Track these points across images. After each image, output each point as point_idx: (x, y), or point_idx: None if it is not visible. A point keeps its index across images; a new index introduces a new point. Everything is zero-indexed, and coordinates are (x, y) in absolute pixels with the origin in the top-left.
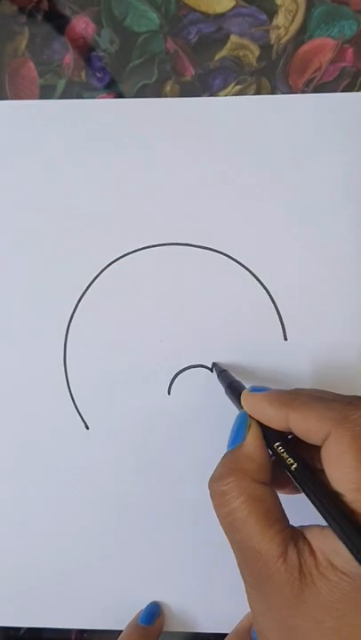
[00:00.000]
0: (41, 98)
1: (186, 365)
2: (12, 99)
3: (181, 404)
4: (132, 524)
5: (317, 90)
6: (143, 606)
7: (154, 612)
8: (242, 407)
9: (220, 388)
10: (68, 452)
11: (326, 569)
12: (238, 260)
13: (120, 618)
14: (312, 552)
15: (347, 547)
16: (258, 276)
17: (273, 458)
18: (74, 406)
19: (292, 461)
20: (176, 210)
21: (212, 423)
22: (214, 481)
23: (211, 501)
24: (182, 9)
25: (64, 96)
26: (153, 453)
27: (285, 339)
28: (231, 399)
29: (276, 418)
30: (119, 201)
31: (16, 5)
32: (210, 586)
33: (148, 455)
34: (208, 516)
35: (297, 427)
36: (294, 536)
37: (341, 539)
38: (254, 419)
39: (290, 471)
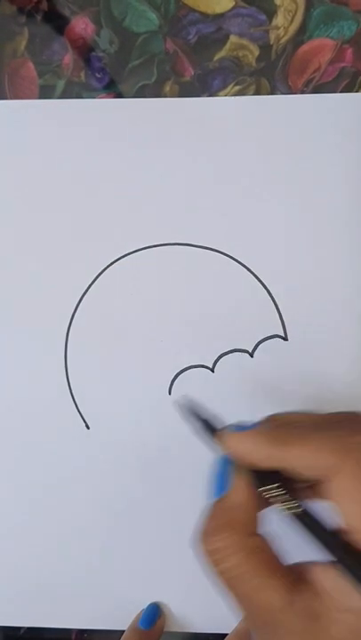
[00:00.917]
0: (40, 98)
1: (186, 365)
2: (12, 99)
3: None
4: (133, 523)
5: (317, 90)
6: (143, 606)
7: (154, 615)
8: (218, 447)
9: (220, 388)
10: (68, 452)
11: (338, 610)
12: (239, 259)
13: (120, 618)
14: (317, 594)
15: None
16: (258, 275)
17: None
18: (74, 406)
19: (295, 505)
20: (176, 210)
21: None
22: (205, 539)
23: (202, 557)
24: (182, 9)
25: (63, 96)
26: (153, 453)
27: (286, 338)
28: (204, 440)
29: (267, 460)
30: (119, 201)
31: (15, 6)
32: (211, 586)
33: (149, 455)
34: None
35: (296, 465)
36: (298, 579)
37: (355, 579)
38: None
39: (293, 514)
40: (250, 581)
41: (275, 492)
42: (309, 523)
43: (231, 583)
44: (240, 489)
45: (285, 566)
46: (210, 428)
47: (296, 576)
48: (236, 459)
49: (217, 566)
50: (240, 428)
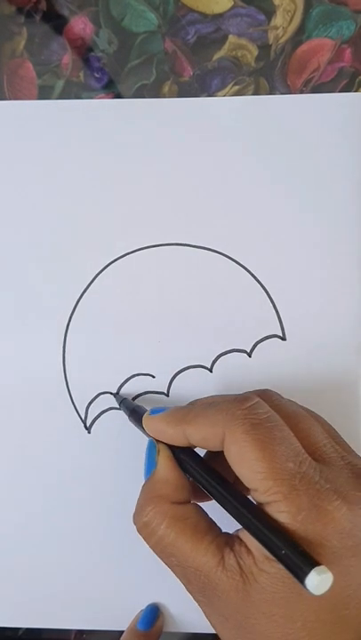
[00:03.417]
0: (39, 98)
1: (185, 366)
2: (11, 99)
3: (180, 404)
4: (132, 524)
5: (316, 90)
6: (143, 606)
7: (153, 616)
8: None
9: (218, 388)
10: (67, 453)
11: (263, 563)
12: (237, 260)
13: (119, 618)
14: (249, 551)
15: (265, 547)
16: (257, 276)
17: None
18: (73, 407)
19: (199, 475)
20: (175, 210)
21: None
22: (136, 515)
23: (140, 535)
24: (180, 9)
25: (62, 96)
26: None
27: (284, 338)
28: (137, 426)
29: (176, 436)
30: (118, 201)
31: (14, 6)
32: None
33: None
34: None
35: (195, 439)
36: (229, 541)
37: (259, 540)
38: (161, 441)
39: (200, 484)
40: (181, 548)
41: (191, 466)
42: (218, 491)
43: (165, 553)
44: (163, 464)
45: (217, 531)
46: (138, 414)
47: (228, 539)
48: (154, 438)
49: (150, 539)
50: (154, 412)
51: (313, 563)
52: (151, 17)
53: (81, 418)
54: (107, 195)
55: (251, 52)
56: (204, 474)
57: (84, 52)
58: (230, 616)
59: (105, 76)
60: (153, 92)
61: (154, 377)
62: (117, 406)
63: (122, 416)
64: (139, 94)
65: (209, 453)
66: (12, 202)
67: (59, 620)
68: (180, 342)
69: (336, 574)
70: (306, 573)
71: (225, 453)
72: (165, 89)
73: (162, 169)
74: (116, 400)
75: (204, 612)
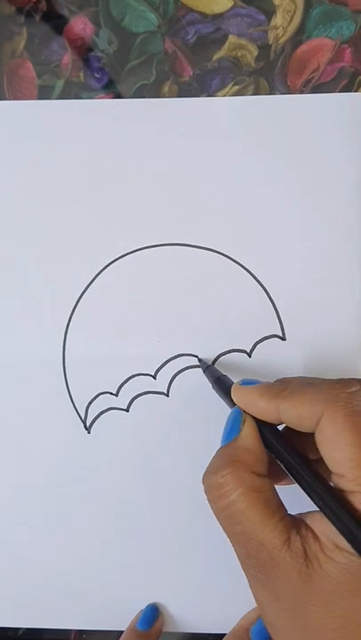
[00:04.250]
0: (39, 98)
1: (184, 366)
2: (11, 99)
3: (180, 404)
4: (132, 524)
5: (316, 90)
6: (142, 606)
7: (152, 616)
8: (231, 402)
9: None
10: (67, 453)
11: (333, 551)
12: (237, 260)
13: (119, 618)
14: (316, 537)
15: (344, 536)
16: (256, 276)
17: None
18: (73, 407)
19: (285, 452)
20: (175, 210)
21: (211, 423)
22: (210, 474)
23: (206, 495)
24: (180, 9)
25: (62, 96)
26: (152, 454)
27: (284, 338)
28: (219, 394)
29: (267, 410)
30: (118, 201)
31: (14, 6)
32: (208, 586)
33: (148, 456)
34: (207, 517)
35: (289, 416)
36: (295, 524)
37: (338, 528)
38: (247, 413)
39: (283, 462)
40: (251, 518)
41: (274, 442)
42: (298, 472)
43: (231, 519)
44: (247, 433)
45: (284, 512)
46: (223, 383)
47: (295, 521)
48: (243, 409)
49: (219, 502)
50: (246, 383)
51: None
52: (151, 17)
53: (81, 418)
54: (107, 194)
55: (251, 52)
56: (288, 452)
57: (84, 52)
58: (285, 597)
59: (105, 76)
60: (153, 92)
61: (154, 377)
62: (117, 406)
63: (122, 416)
64: (139, 94)
65: (286, 434)
66: (11, 201)
67: (59, 620)
68: (180, 342)
69: None
70: None
71: (317, 435)
72: (165, 89)
73: (162, 169)
74: (201, 366)
75: (254, 588)
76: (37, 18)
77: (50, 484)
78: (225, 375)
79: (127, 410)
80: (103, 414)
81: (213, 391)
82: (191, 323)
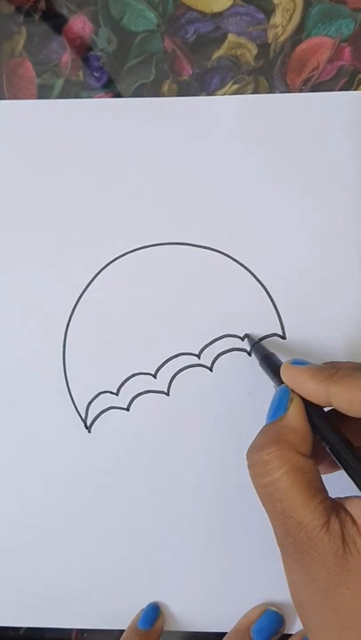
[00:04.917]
0: (38, 97)
1: (185, 365)
2: (10, 98)
3: (181, 403)
4: (132, 523)
5: (315, 89)
6: (143, 605)
7: (153, 615)
8: (278, 380)
9: (218, 387)
10: (67, 453)
11: None
12: (237, 259)
13: (120, 618)
14: (354, 522)
15: None
16: (257, 275)
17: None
18: (73, 406)
19: (331, 434)
20: (175, 209)
21: (211, 423)
22: (255, 450)
23: (249, 471)
24: (180, 8)
25: (62, 96)
26: (153, 454)
27: (284, 337)
28: (266, 372)
29: (316, 391)
30: (118, 201)
31: (13, 5)
32: (210, 585)
33: (148, 455)
34: (208, 516)
35: (339, 400)
36: (335, 507)
37: None
38: (295, 392)
39: (329, 445)
40: (293, 498)
41: (320, 423)
42: (344, 456)
43: (273, 497)
44: (294, 413)
45: (326, 494)
46: (271, 360)
47: (335, 504)
48: (291, 388)
49: (262, 479)
50: (296, 363)
51: None
52: (150, 16)
53: (81, 417)
54: (107, 194)
55: (250, 51)
56: (335, 434)
57: (84, 51)
58: (320, 579)
59: (104, 75)
60: (152, 91)
61: (154, 376)
62: (117, 405)
63: (122, 415)
64: (138, 93)
65: (332, 417)
66: (11, 201)
67: (60, 619)
68: (180, 341)
69: None
70: None
71: None
72: (165, 88)
73: (161, 168)
74: (249, 342)
75: (288, 567)
76: (37, 17)
77: (50, 483)
78: (272, 353)
79: (127, 409)
80: (104, 413)
81: (213, 390)
82: (191, 322)
